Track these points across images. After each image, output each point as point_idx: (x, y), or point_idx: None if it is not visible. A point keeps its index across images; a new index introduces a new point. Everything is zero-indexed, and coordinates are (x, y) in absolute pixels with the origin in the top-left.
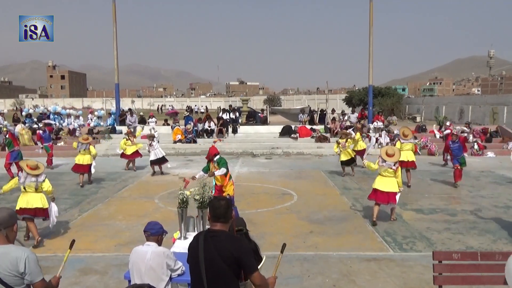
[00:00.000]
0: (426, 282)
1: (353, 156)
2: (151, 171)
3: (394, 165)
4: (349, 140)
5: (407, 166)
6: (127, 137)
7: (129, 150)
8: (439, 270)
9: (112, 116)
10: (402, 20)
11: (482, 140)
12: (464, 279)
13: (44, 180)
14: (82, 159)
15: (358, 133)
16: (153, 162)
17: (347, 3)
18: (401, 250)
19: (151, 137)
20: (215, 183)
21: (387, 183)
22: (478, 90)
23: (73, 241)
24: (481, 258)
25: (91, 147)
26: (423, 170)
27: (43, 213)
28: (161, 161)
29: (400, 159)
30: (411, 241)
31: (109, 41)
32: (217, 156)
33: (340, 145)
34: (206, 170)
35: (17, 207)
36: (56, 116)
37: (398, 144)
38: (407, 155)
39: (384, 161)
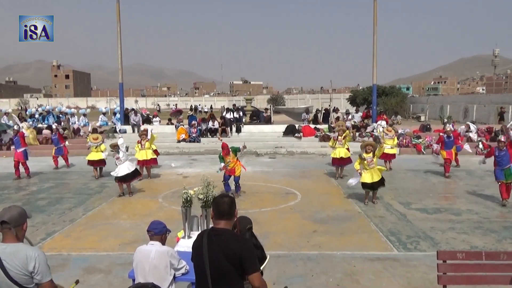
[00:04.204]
0: (430, 281)
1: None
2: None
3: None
4: (347, 137)
5: (387, 158)
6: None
7: (140, 155)
8: (443, 269)
9: (117, 115)
10: (406, 19)
11: (487, 140)
12: (469, 279)
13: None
14: (95, 155)
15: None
16: (119, 179)
17: (351, 2)
18: (405, 249)
19: (115, 146)
20: (228, 167)
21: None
22: (482, 89)
23: (77, 281)
24: (486, 258)
25: (102, 145)
26: (427, 170)
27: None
28: (131, 177)
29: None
30: (415, 240)
31: (113, 40)
32: (231, 149)
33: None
34: (221, 159)
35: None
36: (61, 115)
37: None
38: (389, 149)
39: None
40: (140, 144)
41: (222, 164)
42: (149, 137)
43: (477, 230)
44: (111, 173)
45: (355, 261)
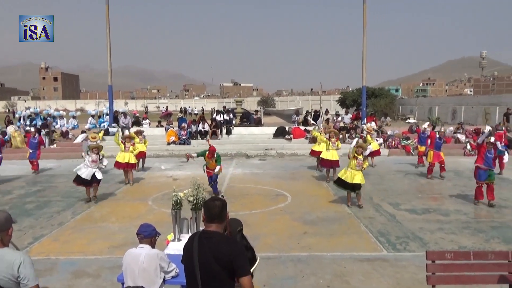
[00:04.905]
0: (420, 282)
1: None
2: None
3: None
4: (338, 142)
5: (371, 155)
6: (124, 141)
7: (122, 157)
8: (432, 269)
9: (104, 117)
10: (395, 21)
11: (474, 141)
12: (457, 279)
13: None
14: None
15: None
16: (80, 181)
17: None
18: (395, 250)
19: (95, 149)
20: (208, 167)
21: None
22: (470, 91)
23: None
24: (474, 258)
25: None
26: (416, 171)
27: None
28: (90, 183)
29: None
30: (404, 241)
31: (102, 42)
32: (216, 153)
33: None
34: (201, 155)
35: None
36: (49, 118)
37: (368, 138)
38: (373, 146)
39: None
40: (124, 146)
41: (194, 154)
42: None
43: (465, 230)
44: (74, 169)
45: (345, 262)
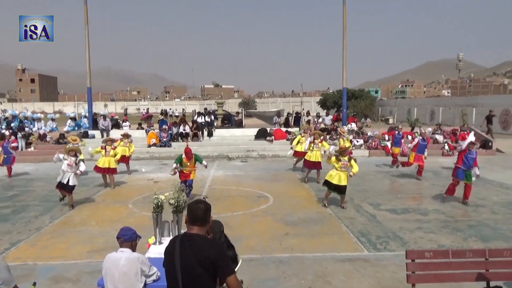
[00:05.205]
0: (400, 281)
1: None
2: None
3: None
4: (324, 143)
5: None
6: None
7: (102, 162)
8: (412, 268)
9: (83, 120)
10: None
11: (452, 141)
12: (437, 277)
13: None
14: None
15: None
16: (61, 186)
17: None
18: (375, 250)
19: (71, 151)
20: (183, 170)
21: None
22: (448, 92)
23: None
24: (453, 256)
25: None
26: (396, 171)
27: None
28: (70, 189)
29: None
30: (385, 241)
31: (81, 44)
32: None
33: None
34: (179, 161)
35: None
36: (26, 121)
37: (341, 141)
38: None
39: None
40: (104, 150)
41: (174, 165)
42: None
43: (444, 229)
44: (57, 179)
45: (326, 262)
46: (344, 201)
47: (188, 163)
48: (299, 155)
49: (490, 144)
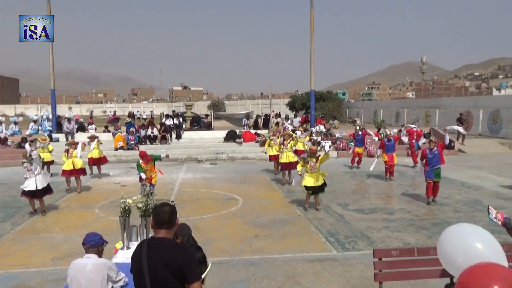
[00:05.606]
0: (367, 279)
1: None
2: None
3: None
4: (292, 141)
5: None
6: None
7: (67, 165)
8: (379, 267)
9: (44, 122)
10: (341, 27)
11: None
12: (403, 275)
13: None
14: (43, 156)
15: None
16: (28, 194)
17: (290, 9)
18: (344, 249)
19: (28, 157)
20: (143, 174)
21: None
22: (412, 94)
23: None
24: (418, 254)
25: (49, 145)
26: (363, 171)
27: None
28: (41, 193)
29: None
30: (353, 240)
31: (44, 44)
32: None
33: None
34: (141, 169)
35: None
36: None
37: (293, 142)
38: (302, 146)
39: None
40: (67, 153)
41: (143, 176)
42: (92, 146)
43: (409, 227)
44: (20, 186)
45: (296, 263)
46: (318, 203)
47: (148, 166)
48: (274, 158)
49: (452, 144)
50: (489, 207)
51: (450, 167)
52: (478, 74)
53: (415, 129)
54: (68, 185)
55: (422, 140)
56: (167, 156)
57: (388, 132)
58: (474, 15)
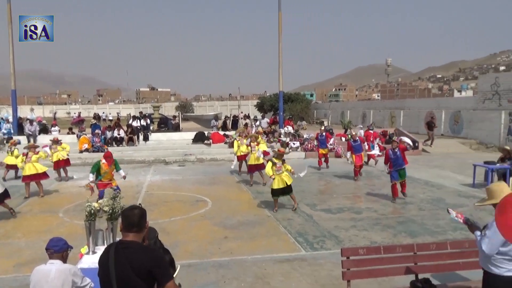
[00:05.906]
0: (336, 278)
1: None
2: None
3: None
4: (261, 145)
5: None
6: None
7: (27, 169)
8: (347, 265)
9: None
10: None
11: (382, 142)
12: (370, 273)
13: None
14: (11, 160)
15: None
16: None
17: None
18: (312, 249)
19: None
20: (102, 180)
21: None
22: (378, 96)
23: None
24: (384, 252)
25: (15, 150)
26: (331, 172)
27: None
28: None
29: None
30: (321, 240)
31: (4, 43)
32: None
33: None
34: (95, 170)
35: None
36: None
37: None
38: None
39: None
40: (26, 157)
41: (91, 178)
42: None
43: (375, 226)
44: None
45: (265, 264)
46: (296, 201)
47: (108, 169)
48: (242, 158)
49: (416, 144)
50: (448, 208)
51: (414, 167)
52: (440, 76)
53: (371, 131)
54: (27, 192)
55: (377, 141)
56: (124, 177)
57: (354, 133)
58: (436, 18)
